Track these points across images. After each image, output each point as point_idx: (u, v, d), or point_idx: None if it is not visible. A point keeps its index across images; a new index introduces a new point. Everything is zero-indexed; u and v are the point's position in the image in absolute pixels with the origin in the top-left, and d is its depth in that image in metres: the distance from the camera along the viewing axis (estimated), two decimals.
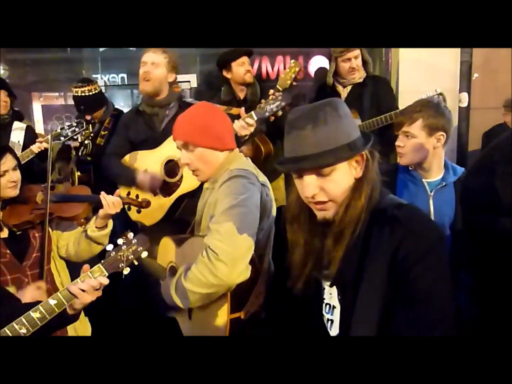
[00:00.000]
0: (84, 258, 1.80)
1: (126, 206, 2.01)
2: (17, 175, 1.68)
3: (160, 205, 2.27)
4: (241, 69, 2.60)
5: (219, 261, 1.32)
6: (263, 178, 1.59)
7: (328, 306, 1.07)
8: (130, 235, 1.36)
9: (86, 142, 2.48)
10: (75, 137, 2.33)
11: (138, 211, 1.98)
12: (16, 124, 2.51)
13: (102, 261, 1.29)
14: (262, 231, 1.54)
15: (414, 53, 2.86)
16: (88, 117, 2.76)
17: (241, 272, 1.35)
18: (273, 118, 2.22)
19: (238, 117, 2.14)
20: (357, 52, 2.52)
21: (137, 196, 1.87)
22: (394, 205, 0.97)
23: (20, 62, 4.60)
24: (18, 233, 1.67)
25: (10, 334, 1.15)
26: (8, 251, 1.63)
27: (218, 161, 1.57)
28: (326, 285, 1.06)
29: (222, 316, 1.44)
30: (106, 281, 1.27)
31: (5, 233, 1.66)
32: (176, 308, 1.50)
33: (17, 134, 2.45)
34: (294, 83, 2.31)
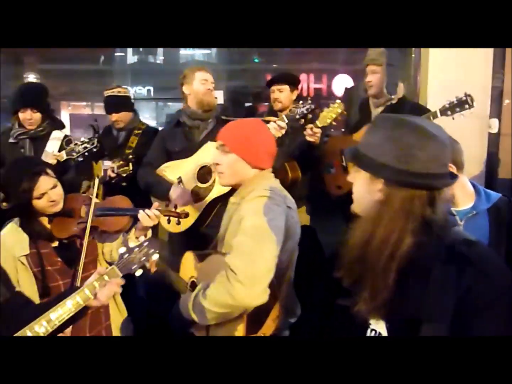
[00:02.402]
0: None
1: (166, 219, 2.03)
2: (57, 192, 1.70)
3: (192, 210, 2.29)
4: (272, 96, 2.79)
5: (237, 281, 1.32)
6: (290, 200, 1.59)
7: (373, 332, 1.04)
8: (141, 238, 1.41)
9: (124, 175, 2.53)
10: (86, 153, 2.38)
11: (178, 223, 1.99)
12: (54, 134, 2.54)
13: (116, 263, 1.32)
14: (286, 253, 1.54)
15: (443, 76, 2.84)
16: (113, 118, 2.83)
17: (259, 295, 1.34)
18: (303, 121, 2.32)
19: None
20: (374, 67, 2.51)
21: (175, 206, 1.88)
22: (462, 241, 0.92)
23: (52, 73, 4.74)
24: (65, 241, 1.78)
25: (30, 334, 1.19)
26: (59, 259, 1.75)
27: (245, 174, 1.59)
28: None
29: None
30: (122, 281, 1.31)
31: (55, 243, 1.77)
32: (190, 324, 1.49)
33: (53, 143, 2.47)
34: (334, 123, 2.33)
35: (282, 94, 2.71)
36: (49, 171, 1.70)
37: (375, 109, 2.60)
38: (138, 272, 1.36)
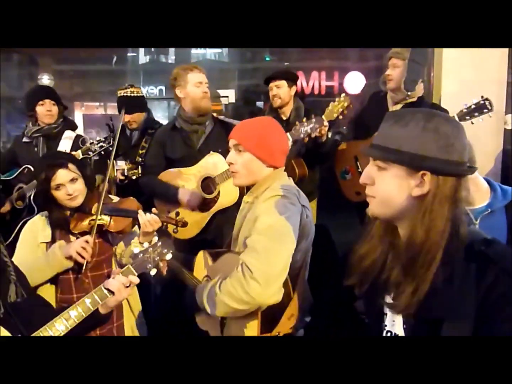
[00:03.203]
0: None
1: (163, 225, 2.04)
2: (75, 187, 1.74)
3: (197, 221, 2.32)
4: (270, 94, 2.76)
5: (253, 279, 1.32)
6: (304, 199, 1.58)
7: (389, 333, 1.03)
8: (155, 238, 1.46)
9: (133, 177, 2.56)
10: (103, 152, 2.44)
11: (175, 231, 2.00)
12: (67, 133, 2.58)
13: (131, 262, 1.36)
14: (300, 252, 1.53)
15: (457, 74, 2.79)
16: (126, 119, 2.84)
17: (274, 293, 1.35)
18: (307, 139, 2.28)
19: None
20: (396, 61, 2.47)
21: (177, 214, 1.88)
22: (480, 240, 0.92)
23: (65, 73, 4.81)
24: (79, 237, 1.82)
25: (51, 332, 1.23)
26: None
27: (260, 172, 1.58)
28: (389, 311, 1.03)
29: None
30: (136, 280, 1.35)
31: (73, 237, 1.82)
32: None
33: (65, 143, 2.52)
34: (340, 117, 2.30)
35: (280, 90, 2.68)
36: (71, 166, 1.75)
37: (393, 106, 2.53)
38: (153, 271, 1.39)
